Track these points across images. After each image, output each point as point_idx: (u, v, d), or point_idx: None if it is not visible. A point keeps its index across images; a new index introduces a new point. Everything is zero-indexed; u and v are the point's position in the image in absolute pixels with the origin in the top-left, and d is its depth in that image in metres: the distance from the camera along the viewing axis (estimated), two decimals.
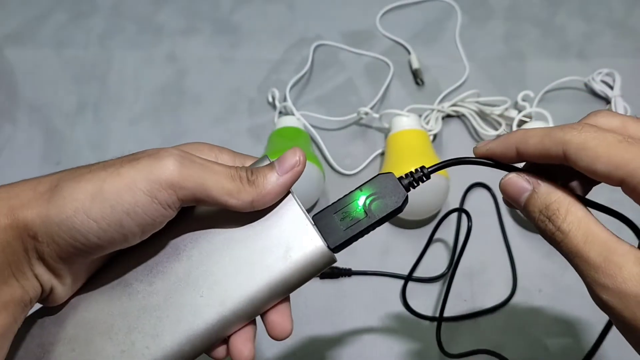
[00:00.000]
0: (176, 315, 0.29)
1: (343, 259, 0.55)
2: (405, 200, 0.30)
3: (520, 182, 0.31)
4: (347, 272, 0.55)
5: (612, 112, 0.29)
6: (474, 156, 0.32)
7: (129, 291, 0.29)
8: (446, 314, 0.53)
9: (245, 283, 0.29)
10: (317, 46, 0.69)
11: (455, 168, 0.59)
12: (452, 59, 0.69)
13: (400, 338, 0.52)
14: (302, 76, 0.66)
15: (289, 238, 0.29)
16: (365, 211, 0.30)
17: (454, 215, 0.58)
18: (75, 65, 0.68)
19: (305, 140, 0.59)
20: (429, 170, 0.31)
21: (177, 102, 0.66)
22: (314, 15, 0.72)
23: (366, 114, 0.62)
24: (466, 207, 0.58)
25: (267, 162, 0.31)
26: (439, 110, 0.62)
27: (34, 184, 0.28)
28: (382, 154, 0.61)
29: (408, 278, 0.54)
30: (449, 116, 0.64)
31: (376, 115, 0.62)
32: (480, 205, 0.59)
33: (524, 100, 0.63)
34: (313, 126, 0.62)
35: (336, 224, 0.30)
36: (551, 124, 0.60)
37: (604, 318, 0.53)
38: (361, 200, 0.30)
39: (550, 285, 0.54)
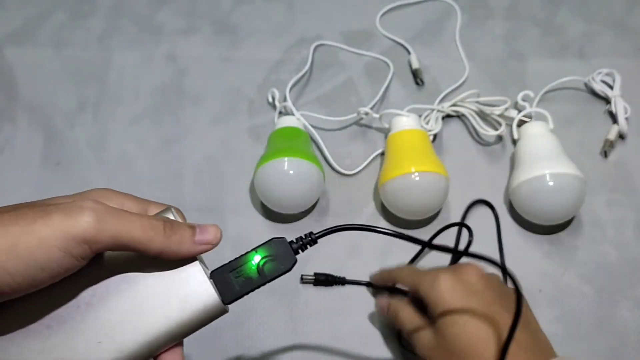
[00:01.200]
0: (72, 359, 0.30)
1: (343, 260, 0.55)
2: (294, 263, 0.35)
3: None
4: (341, 281, 0.54)
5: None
6: (359, 224, 0.38)
7: (28, 332, 0.30)
8: None
9: (143, 331, 0.31)
10: (317, 46, 0.69)
11: (455, 168, 0.59)
12: (452, 59, 0.69)
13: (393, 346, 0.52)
14: (302, 76, 0.66)
15: (188, 291, 0.32)
16: (258, 271, 0.33)
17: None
18: (75, 65, 0.68)
19: (305, 140, 0.59)
20: (317, 235, 0.36)
21: (177, 102, 0.65)
22: (313, 15, 0.72)
23: (366, 114, 0.62)
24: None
25: (171, 214, 0.33)
26: (439, 110, 0.62)
27: None
28: (382, 154, 0.61)
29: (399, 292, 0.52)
30: (448, 116, 0.63)
31: (376, 115, 0.62)
32: (479, 205, 0.59)
33: (524, 100, 0.63)
34: (313, 126, 0.62)
35: (231, 281, 0.33)
36: (551, 124, 0.59)
37: (605, 318, 0.53)
38: (255, 260, 0.34)
39: (550, 285, 0.54)
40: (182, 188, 0.60)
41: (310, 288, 0.54)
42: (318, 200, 0.58)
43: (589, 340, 0.52)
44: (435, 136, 0.62)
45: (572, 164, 0.55)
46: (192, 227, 0.32)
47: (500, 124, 0.62)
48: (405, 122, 0.58)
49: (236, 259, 0.34)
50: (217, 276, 0.33)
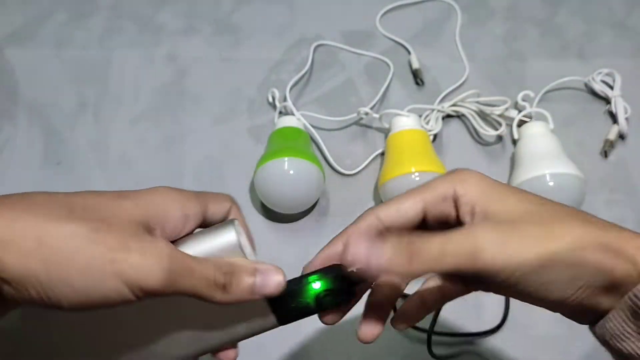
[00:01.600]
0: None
1: None
2: (352, 296, 0.33)
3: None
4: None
5: None
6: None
7: (83, 337, 0.31)
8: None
9: (197, 342, 0.32)
10: (317, 46, 0.69)
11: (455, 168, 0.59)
12: (452, 59, 0.69)
13: None
14: (302, 76, 0.66)
15: (245, 310, 0.32)
16: (316, 300, 0.32)
17: None
18: (75, 65, 0.68)
19: (305, 140, 0.59)
20: None
21: (177, 102, 0.66)
22: (314, 16, 0.72)
23: (366, 114, 0.62)
24: None
25: (232, 230, 0.31)
26: (439, 111, 0.62)
27: (19, 235, 0.26)
28: (382, 154, 0.61)
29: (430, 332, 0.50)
30: (449, 116, 0.64)
31: (376, 115, 0.62)
32: None
33: (524, 100, 0.63)
34: (313, 126, 0.62)
35: (288, 303, 0.32)
36: (551, 124, 0.59)
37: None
38: (315, 286, 0.33)
39: None
40: (183, 188, 0.60)
41: None
42: (318, 200, 0.58)
43: (591, 341, 0.52)
44: (435, 136, 0.62)
45: (572, 163, 0.55)
46: (253, 275, 0.31)
47: (500, 124, 0.62)
48: (405, 122, 0.58)
49: (295, 280, 0.33)
50: (275, 297, 0.32)
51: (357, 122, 0.64)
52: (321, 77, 0.67)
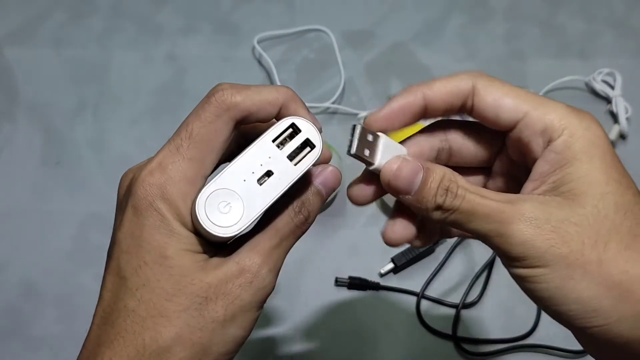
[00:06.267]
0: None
1: (343, 259, 0.55)
2: None
3: (412, 164, 0.30)
4: (375, 286, 0.54)
5: None
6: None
7: None
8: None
9: None
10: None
11: None
12: (452, 58, 0.69)
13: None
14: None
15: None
16: None
17: None
18: (74, 65, 0.68)
19: None
20: None
21: (177, 102, 0.66)
22: (314, 15, 0.72)
23: (365, 117, 0.62)
24: None
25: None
26: None
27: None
28: None
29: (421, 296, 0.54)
30: None
31: None
32: None
33: None
34: None
35: None
36: None
37: None
38: None
39: None
40: None
41: (309, 286, 0.54)
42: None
43: None
44: None
45: None
46: (318, 193, 0.31)
47: None
48: None
49: None
50: None
51: (357, 123, 0.64)
52: (321, 76, 0.67)
